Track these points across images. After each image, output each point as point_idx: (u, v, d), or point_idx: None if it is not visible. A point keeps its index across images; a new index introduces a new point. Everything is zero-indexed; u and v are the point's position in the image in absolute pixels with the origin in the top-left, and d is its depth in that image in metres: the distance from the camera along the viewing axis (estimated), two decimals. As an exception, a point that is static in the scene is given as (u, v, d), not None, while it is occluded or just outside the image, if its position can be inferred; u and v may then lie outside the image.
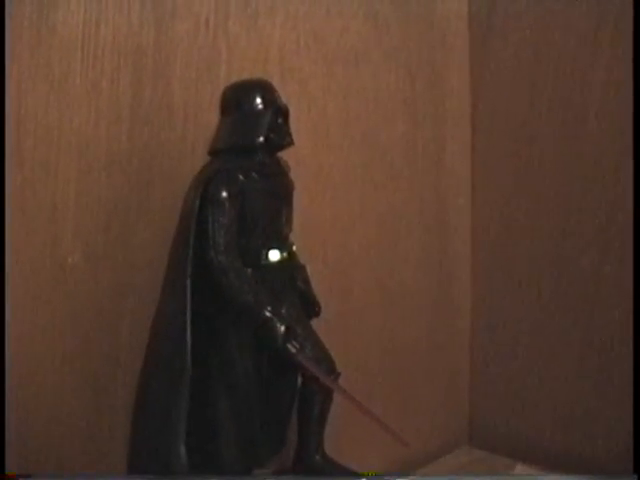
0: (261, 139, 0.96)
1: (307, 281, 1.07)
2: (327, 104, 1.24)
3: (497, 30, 1.40)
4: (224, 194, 0.93)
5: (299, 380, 1.05)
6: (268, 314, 0.93)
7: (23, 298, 0.97)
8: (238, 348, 0.99)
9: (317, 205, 1.24)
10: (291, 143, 1.00)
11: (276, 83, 1.15)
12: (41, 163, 0.97)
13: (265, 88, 0.99)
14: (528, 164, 1.41)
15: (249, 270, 0.98)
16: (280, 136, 0.98)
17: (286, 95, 1.17)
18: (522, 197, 1.43)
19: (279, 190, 0.99)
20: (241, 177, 0.95)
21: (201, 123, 1.08)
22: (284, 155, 1.09)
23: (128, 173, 1.04)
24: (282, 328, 0.93)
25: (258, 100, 0.97)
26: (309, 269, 1.16)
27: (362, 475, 1.09)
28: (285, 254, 1.00)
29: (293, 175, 1.11)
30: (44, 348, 1.00)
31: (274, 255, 0.99)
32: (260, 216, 0.97)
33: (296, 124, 1.19)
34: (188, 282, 0.93)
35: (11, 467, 0.92)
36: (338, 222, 1.27)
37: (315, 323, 1.18)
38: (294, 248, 1.04)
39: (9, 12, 0.91)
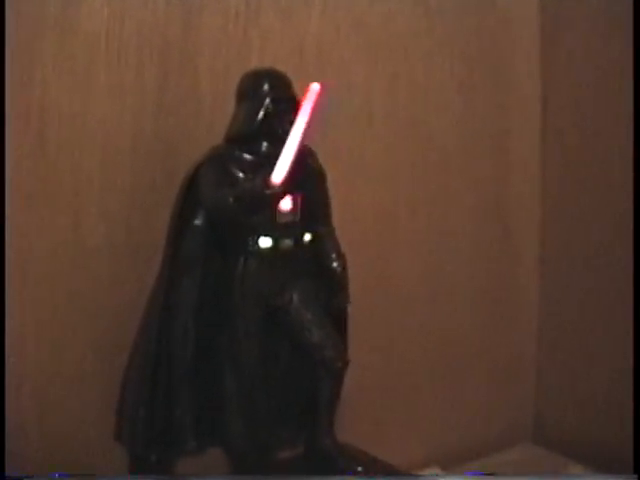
0: (254, 127, 0.99)
1: (330, 273, 1.07)
2: (370, 92, 1.24)
3: (567, 18, 1.35)
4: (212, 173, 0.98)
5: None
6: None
7: (44, 278, 1.04)
8: (244, 328, 1.02)
9: (357, 193, 1.25)
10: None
11: (313, 72, 1.18)
12: (65, 150, 1.04)
13: (270, 77, 1.00)
14: (596, 155, 1.35)
15: (263, 255, 1.01)
16: (278, 125, 0.99)
17: (325, 84, 1.20)
18: (593, 188, 1.37)
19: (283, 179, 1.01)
20: (232, 163, 0.98)
21: (229, 112, 1.10)
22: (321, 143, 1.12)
23: (152, 160, 1.09)
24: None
25: (258, 89, 0.99)
26: (349, 256, 1.18)
27: (373, 462, 1.10)
28: (288, 241, 1.01)
29: (330, 163, 1.12)
30: (64, 329, 1.07)
31: (265, 242, 1.00)
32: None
33: (336, 112, 1.21)
34: (169, 256, 0.99)
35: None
36: (381, 211, 1.28)
37: (353, 311, 1.20)
38: (308, 235, 1.04)
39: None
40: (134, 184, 1.08)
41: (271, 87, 0.99)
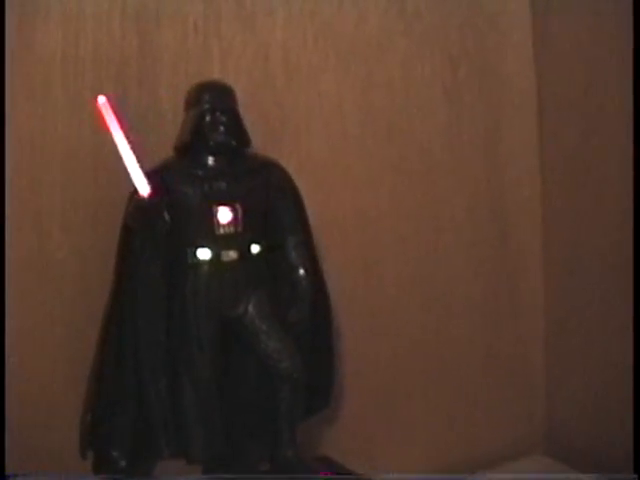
0: (189, 137, 1.00)
1: (293, 285, 1.07)
2: (343, 99, 1.22)
3: (559, 10, 1.30)
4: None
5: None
6: None
7: (13, 294, 1.06)
8: (197, 340, 1.03)
9: (335, 201, 1.23)
10: (225, 143, 1.00)
11: (280, 81, 1.19)
12: (25, 168, 1.07)
13: (207, 88, 1.01)
14: (596, 153, 1.29)
15: (205, 267, 1.02)
16: (210, 136, 0.99)
17: (293, 92, 1.20)
18: (593, 187, 1.31)
19: (221, 191, 1.00)
20: (170, 175, 1.00)
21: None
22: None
23: (115, 174, 1.08)
24: None
25: (195, 100, 1.00)
26: (328, 265, 1.17)
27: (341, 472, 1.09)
28: (232, 253, 1.01)
29: (304, 169, 1.15)
30: (35, 343, 1.09)
31: (203, 254, 1.01)
32: (185, 215, 0.99)
33: (307, 120, 1.21)
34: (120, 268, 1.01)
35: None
36: (362, 217, 1.25)
37: (341, 318, 1.19)
38: (256, 247, 1.04)
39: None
40: (97, 198, 1.10)
41: (206, 98, 1.00)
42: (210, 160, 1.02)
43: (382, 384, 1.30)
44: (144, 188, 0.95)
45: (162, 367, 1.05)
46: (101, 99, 0.93)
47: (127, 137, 0.94)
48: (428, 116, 1.28)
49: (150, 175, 0.99)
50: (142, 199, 0.95)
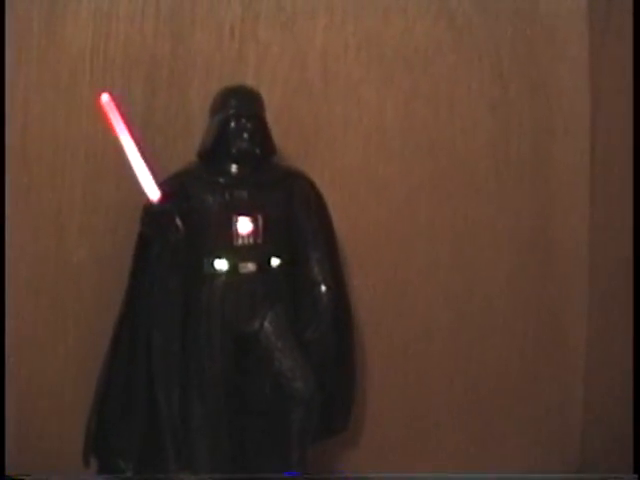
0: (211, 144, 0.97)
1: (313, 302, 1.03)
2: (383, 110, 1.17)
3: (615, 26, 1.22)
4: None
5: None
6: None
7: (27, 294, 1.06)
8: (208, 353, 1.00)
9: (368, 217, 1.18)
10: (249, 151, 0.97)
11: (318, 89, 1.15)
12: (47, 166, 1.06)
13: (234, 94, 0.98)
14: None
15: (221, 278, 0.98)
16: (233, 142, 0.96)
17: (330, 101, 1.15)
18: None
19: (243, 201, 0.97)
20: (189, 181, 0.97)
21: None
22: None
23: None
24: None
25: (219, 106, 0.98)
26: (358, 283, 1.13)
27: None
28: (251, 265, 0.98)
29: (339, 182, 1.12)
30: (48, 345, 1.08)
31: (221, 265, 0.98)
32: (204, 224, 0.97)
33: (343, 131, 1.17)
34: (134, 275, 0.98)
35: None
36: (397, 234, 1.20)
37: (368, 338, 1.15)
38: (276, 260, 1.00)
39: (10, 16, 0.99)
40: (120, 201, 1.08)
41: (232, 103, 0.97)
42: (233, 168, 0.99)
43: (409, 408, 1.24)
44: (153, 192, 0.92)
45: (176, 379, 1.02)
46: (104, 97, 0.90)
47: (134, 138, 0.91)
48: (473, 134, 1.21)
49: (169, 180, 0.97)
50: (152, 204, 0.93)
